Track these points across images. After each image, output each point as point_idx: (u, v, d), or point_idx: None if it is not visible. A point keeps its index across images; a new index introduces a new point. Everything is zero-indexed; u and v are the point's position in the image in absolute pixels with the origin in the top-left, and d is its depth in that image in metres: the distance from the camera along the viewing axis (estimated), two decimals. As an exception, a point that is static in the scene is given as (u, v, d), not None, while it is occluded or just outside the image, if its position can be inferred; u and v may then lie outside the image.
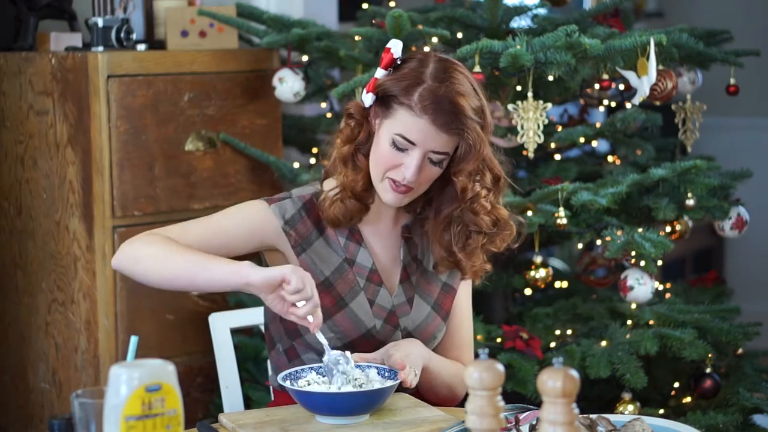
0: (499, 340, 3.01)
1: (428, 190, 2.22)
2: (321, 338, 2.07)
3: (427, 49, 2.98)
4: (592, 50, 2.86)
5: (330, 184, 2.25)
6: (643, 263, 2.95)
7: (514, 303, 3.48)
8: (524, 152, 2.98)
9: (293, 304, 2.01)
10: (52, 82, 3.08)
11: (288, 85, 3.27)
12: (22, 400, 3.21)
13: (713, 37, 3.44)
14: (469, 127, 2.13)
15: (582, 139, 3.25)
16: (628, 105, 3.22)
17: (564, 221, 2.94)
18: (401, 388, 2.12)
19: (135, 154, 3.09)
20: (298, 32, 3.22)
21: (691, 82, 3.29)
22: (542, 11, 3.33)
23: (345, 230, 2.25)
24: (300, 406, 2.04)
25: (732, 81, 3.30)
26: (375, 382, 2.08)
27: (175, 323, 3.19)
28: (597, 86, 3.14)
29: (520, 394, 2.90)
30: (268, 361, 2.35)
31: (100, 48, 3.13)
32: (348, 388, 2.04)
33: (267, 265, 2.27)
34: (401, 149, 2.14)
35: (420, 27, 3.02)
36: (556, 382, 1.36)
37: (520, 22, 3.29)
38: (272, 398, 2.36)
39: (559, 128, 3.28)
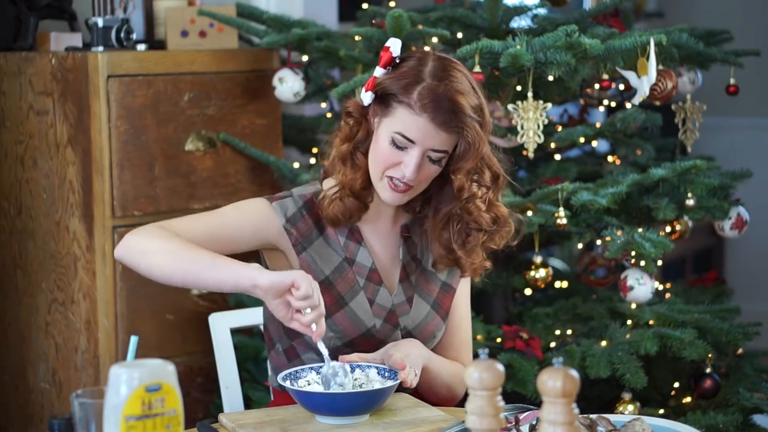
0: (499, 340, 3.01)
1: (427, 188, 2.22)
2: (322, 348, 2.06)
3: (427, 48, 2.98)
4: (592, 50, 2.86)
5: (329, 184, 2.26)
6: (643, 263, 2.95)
7: (514, 303, 3.48)
8: (524, 152, 2.98)
9: (298, 311, 2.00)
10: (52, 82, 3.08)
11: (288, 85, 3.28)
12: (22, 400, 3.21)
13: (713, 37, 3.44)
14: (468, 126, 2.13)
15: (582, 139, 3.25)
16: (628, 105, 3.22)
17: (564, 221, 2.94)
18: (401, 388, 2.12)
19: (135, 154, 3.09)
20: (298, 32, 3.22)
21: (691, 82, 3.29)
22: (542, 11, 3.33)
23: (345, 229, 2.26)
24: (300, 406, 2.04)
25: (732, 81, 3.30)
26: (375, 382, 2.08)
27: (175, 323, 3.19)
28: (597, 86, 3.14)
29: (520, 394, 2.90)
30: (268, 361, 2.35)
31: (100, 48, 3.13)
32: (348, 388, 2.04)
33: (267, 265, 2.27)
34: (401, 147, 2.14)
35: (420, 27, 3.03)
36: (556, 382, 1.36)
37: (520, 22, 3.29)
38: (272, 398, 2.35)
39: (559, 128, 3.28)
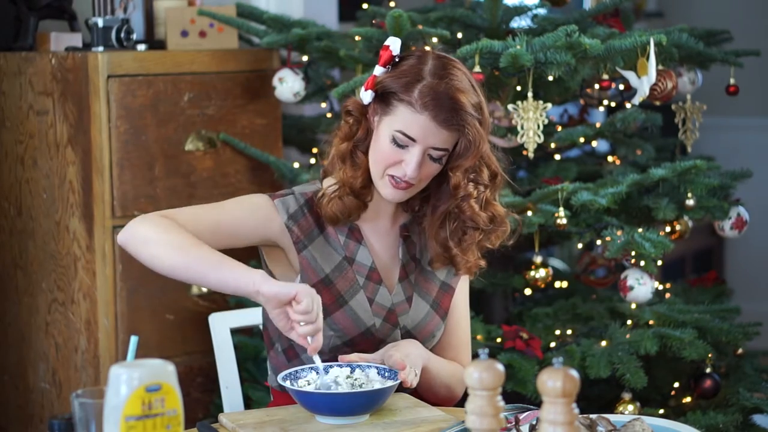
0: (499, 340, 3.01)
1: (426, 187, 2.22)
2: (317, 361, 2.06)
3: (426, 48, 2.98)
4: (592, 50, 2.86)
5: (329, 183, 2.26)
6: (643, 263, 2.95)
7: (514, 303, 3.48)
8: (524, 152, 2.98)
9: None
10: (52, 82, 3.08)
11: (288, 85, 3.28)
12: (22, 400, 3.21)
13: (713, 37, 3.44)
14: (468, 123, 2.13)
15: (582, 139, 3.25)
16: (628, 105, 3.22)
17: (564, 221, 2.94)
18: (401, 388, 2.12)
19: (135, 154, 3.09)
20: (298, 32, 3.22)
21: (691, 82, 3.29)
22: (542, 11, 3.33)
23: (345, 228, 2.26)
24: (300, 406, 2.04)
25: (732, 81, 3.30)
26: (375, 382, 2.08)
27: (175, 323, 3.19)
28: (597, 86, 3.14)
29: (520, 394, 2.90)
30: (268, 361, 2.35)
31: (100, 48, 3.13)
32: (348, 388, 2.04)
33: (265, 262, 2.27)
34: (401, 146, 2.14)
35: (420, 27, 3.03)
36: (556, 382, 1.36)
37: (520, 22, 3.29)
38: (272, 398, 2.35)
39: (559, 128, 3.28)
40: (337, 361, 2.15)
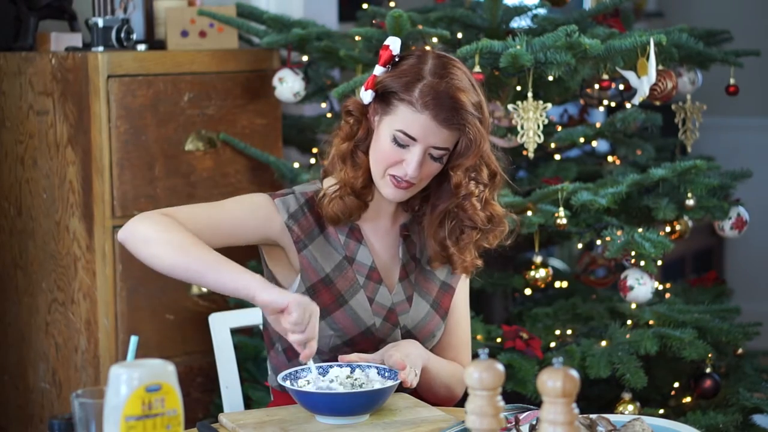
0: (499, 340, 3.01)
1: (426, 186, 2.22)
2: (312, 367, 2.07)
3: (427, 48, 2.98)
4: (592, 50, 2.86)
5: (329, 183, 2.26)
6: (643, 263, 2.95)
7: (514, 303, 3.48)
8: (524, 152, 2.98)
9: None
10: (52, 82, 3.08)
11: (288, 85, 3.28)
12: (22, 400, 3.21)
13: (713, 37, 3.44)
14: (469, 122, 2.13)
15: (582, 139, 3.25)
16: (628, 105, 3.22)
17: (564, 221, 2.94)
18: (401, 388, 2.12)
19: (135, 154, 3.09)
20: (298, 32, 3.22)
21: (691, 82, 3.29)
22: (542, 11, 3.33)
23: (345, 228, 2.26)
24: (300, 406, 2.04)
25: (732, 81, 3.30)
26: (375, 382, 2.08)
27: (175, 323, 3.19)
28: (597, 86, 3.14)
29: (520, 394, 2.90)
30: (268, 361, 2.35)
31: (100, 48, 3.13)
32: (348, 388, 2.04)
33: (265, 262, 2.27)
34: (402, 145, 2.14)
35: (420, 27, 3.03)
36: (556, 382, 1.36)
37: (520, 22, 3.29)
38: (272, 398, 2.36)
39: (559, 128, 3.28)
40: (337, 361, 2.15)
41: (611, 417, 1.89)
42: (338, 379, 2.07)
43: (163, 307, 3.16)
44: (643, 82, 2.93)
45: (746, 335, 3.14)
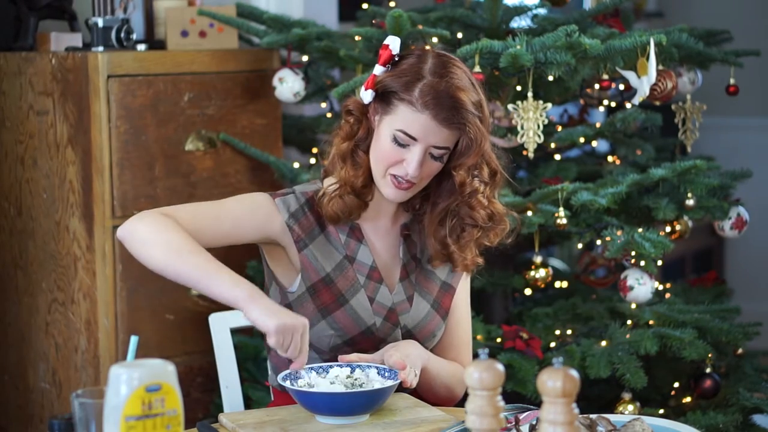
0: (499, 340, 3.01)
1: (426, 185, 2.22)
2: (305, 375, 2.08)
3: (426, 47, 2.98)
4: (592, 50, 2.86)
5: (330, 182, 2.26)
6: (643, 263, 2.95)
7: (514, 303, 3.48)
8: (524, 152, 2.98)
9: None
10: (52, 82, 3.08)
11: (288, 85, 3.28)
12: (22, 400, 3.21)
13: (713, 37, 3.44)
14: (469, 122, 2.13)
15: (582, 139, 3.25)
16: (628, 105, 3.22)
17: (564, 221, 2.94)
18: (401, 388, 2.12)
19: (135, 154, 3.09)
20: (298, 32, 3.22)
21: (691, 82, 3.29)
22: (542, 11, 3.33)
23: (346, 227, 2.26)
24: (300, 406, 2.04)
25: (732, 81, 3.30)
26: (375, 382, 2.08)
27: (175, 323, 3.19)
28: (597, 86, 3.14)
29: (520, 394, 2.90)
30: (268, 361, 2.35)
31: (100, 48, 3.12)
32: (348, 388, 2.04)
33: (266, 261, 2.27)
34: (402, 145, 2.14)
35: (420, 27, 3.02)
36: (556, 382, 1.36)
37: (520, 22, 3.29)
38: (272, 398, 2.36)
39: (559, 128, 3.28)
40: (337, 360, 2.15)
41: (611, 417, 1.88)
42: (338, 379, 2.08)
43: (163, 307, 3.16)
44: (643, 82, 2.93)
45: (746, 335, 3.14)
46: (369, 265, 2.26)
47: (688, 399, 3.18)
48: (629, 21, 3.52)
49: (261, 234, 2.22)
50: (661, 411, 3.08)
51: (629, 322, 3.08)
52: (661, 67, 3.01)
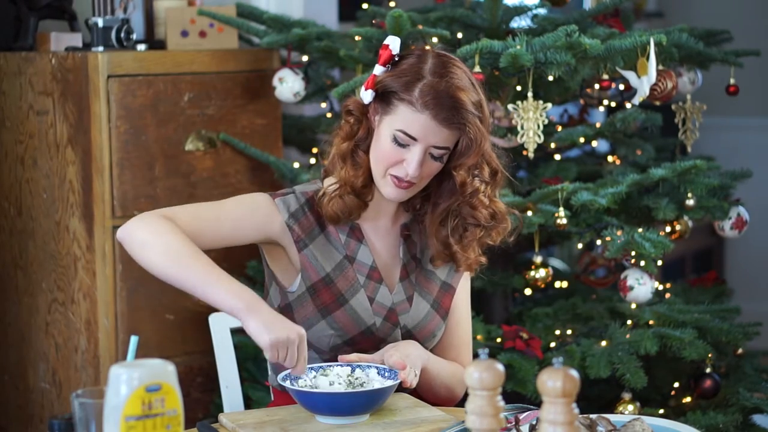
0: (499, 340, 3.01)
1: (427, 185, 2.22)
2: (304, 379, 2.08)
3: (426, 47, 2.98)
4: (592, 50, 2.86)
5: (330, 182, 2.26)
6: (643, 263, 2.95)
7: (514, 303, 3.48)
8: (524, 152, 2.98)
9: None
10: (52, 82, 3.08)
11: (288, 85, 3.28)
12: (22, 400, 3.21)
13: (713, 37, 3.44)
14: (470, 122, 2.13)
15: (582, 139, 3.25)
16: (628, 105, 3.22)
17: (564, 221, 2.94)
18: (401, 388, 2.12)
19: (135, 154, 3.09)
20: (298, 32, 3.22)
21: (691, 82, 3.29)
22: (542, 11, 3.33)
23: (346, 227, 2.26)
24: (300, 406, 2.04)
25: (732, 81, 3.30)
26: (375, 382, 2.08)
27: (175, 323, 3.19)
28: (597, 86, 3.14)
29: (520, 394, 2.90)
30: (268, 361, 2.35)
31: (100, 48, 3.13)
32: (348, 388, 2.04)
33: (266, 261, 2.27)
34: (402, 145, 2.14)
35: (420, 27, 3.02)
36: (556, 382, 1.36)
37: (520, 22, 3.29)
38: (272, 398, 2.36)
39: (559, 128, 3.28)
40: (337, 360, 2.15)
41: (611, 417, 1.88)
42: (338, 379, 2.08)
43: (163, 307, 3.16)
44: (643, 82, 2.93)
45: (746, 335, 3.14)
46: (369, 265, 2.26)
47: (688, 399, 3.18)
48: (629, 21, 3.52)
49: (261, 234, 2.22)
50: (661, 411, 3.08)
51: (629, 322, 3.08)
52: (661, 67, 3.01)
